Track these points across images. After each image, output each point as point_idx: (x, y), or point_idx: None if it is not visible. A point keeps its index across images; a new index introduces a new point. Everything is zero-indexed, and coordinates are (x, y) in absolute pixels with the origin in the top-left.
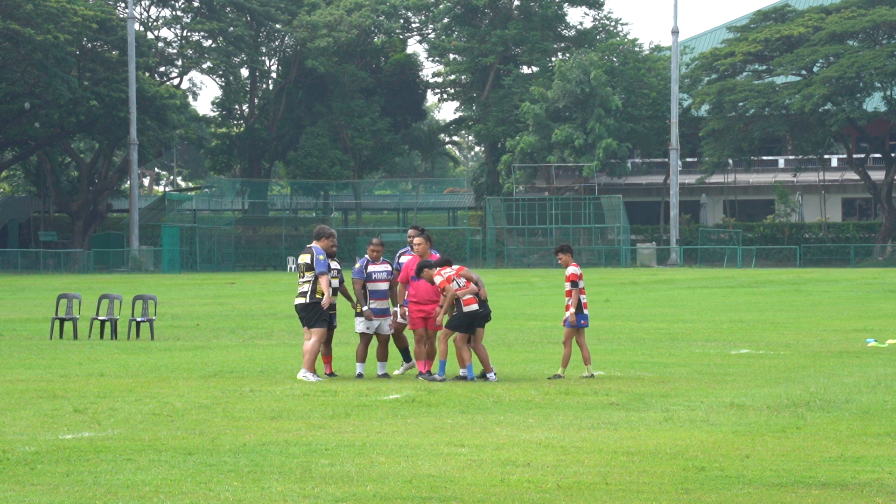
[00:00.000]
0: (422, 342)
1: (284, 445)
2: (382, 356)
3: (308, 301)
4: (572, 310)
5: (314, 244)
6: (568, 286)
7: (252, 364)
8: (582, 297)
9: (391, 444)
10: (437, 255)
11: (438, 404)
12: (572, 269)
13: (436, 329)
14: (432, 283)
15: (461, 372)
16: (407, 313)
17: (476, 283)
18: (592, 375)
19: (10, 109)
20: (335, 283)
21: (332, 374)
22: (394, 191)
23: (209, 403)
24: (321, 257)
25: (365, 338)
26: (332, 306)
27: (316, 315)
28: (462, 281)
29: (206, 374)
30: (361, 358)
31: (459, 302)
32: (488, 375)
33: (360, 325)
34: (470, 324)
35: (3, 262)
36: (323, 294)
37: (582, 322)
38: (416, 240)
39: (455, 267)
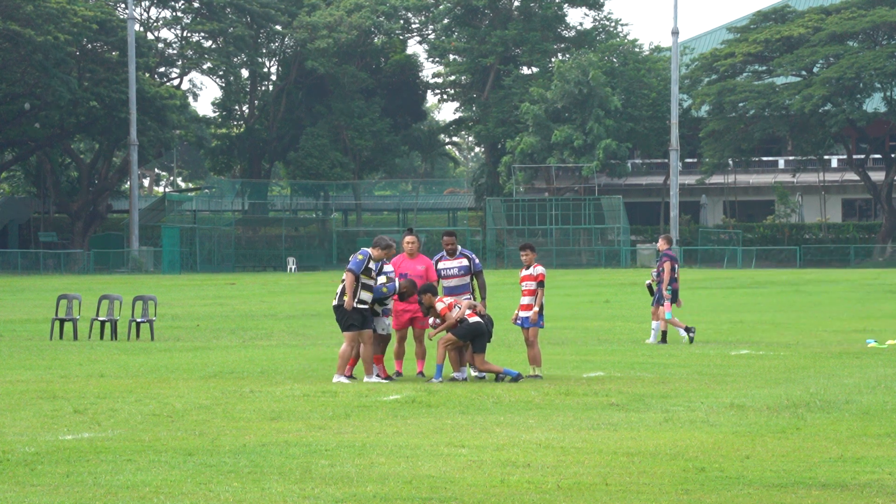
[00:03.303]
0: (403, 341)
1: (284, 446)
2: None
3: (336, 303)
4: (536, 309)
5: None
6: (533, 286)
7: (252, 365)
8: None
9: (391, 445)
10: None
11: (438, 405)
12: (541, 270)
13: (422, 328)
14: (431, 307)
15: (454, 374)
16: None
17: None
18: (540, 376)
19: (10, 110)
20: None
21: (350, 377)
22: (394, 191)
23: (209, 404)
24: (360, 257)
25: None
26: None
27: (343, 318)
28: (462, 304)
29: (206, 375)
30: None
31: (465, 318)
32: (504, 372)
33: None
34: (475, 336)
35: (3, 263)
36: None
37: (540, 323)
38: (408, 238)
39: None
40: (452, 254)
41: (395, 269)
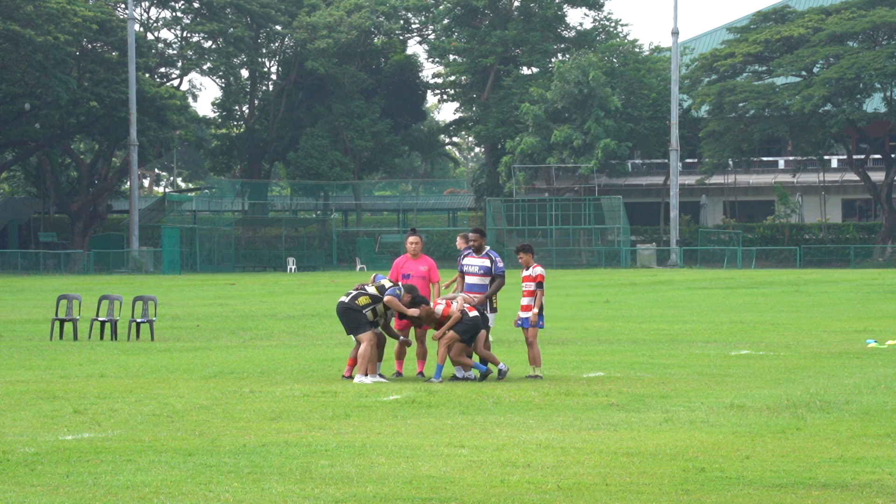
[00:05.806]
0: (403, 342)
1: (284, 446)
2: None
3: (348, 302)
4: (535, 310)
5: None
6: (532, 286)
7: (252, 365)
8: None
9: (391, 445)
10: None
11: (438, 405)
12: (540, 271)
13: (424, 329)
14: (430, 314)
15: (457, 373)
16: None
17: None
18: (540, 376)
19: (10, 110)
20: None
21: (348, 375)
22: (394, 192)
23: (209, 404)
24: (388, 285)
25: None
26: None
27: (353, 320)
28: (458, 299)
29: (207, 375)
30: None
31: (465, 312)
32: (500, 367)
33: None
34: (475, 332)
35: (3, 263)
36: (364, 306)
37: (541, 324)
38: (412, 239)
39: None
40: (478, 251)
41: (397, 269)
